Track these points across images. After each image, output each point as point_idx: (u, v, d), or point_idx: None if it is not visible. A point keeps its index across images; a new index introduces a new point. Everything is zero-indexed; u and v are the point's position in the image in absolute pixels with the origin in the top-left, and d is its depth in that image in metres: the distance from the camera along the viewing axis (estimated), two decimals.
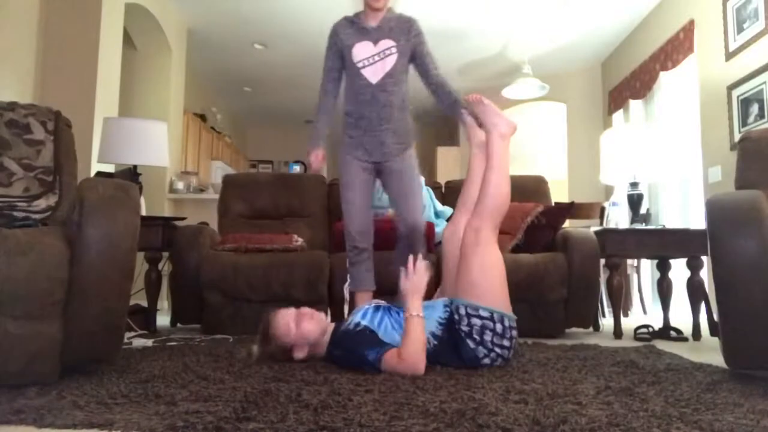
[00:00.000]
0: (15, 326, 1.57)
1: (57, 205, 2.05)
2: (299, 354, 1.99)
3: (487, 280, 1.96)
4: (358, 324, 1.97)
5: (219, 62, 6.82)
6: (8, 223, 1.91)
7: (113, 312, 1.76)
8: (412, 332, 1.84)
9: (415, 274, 1.95)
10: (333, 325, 2.10)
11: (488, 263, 1.98)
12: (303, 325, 1.98)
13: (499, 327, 1.92)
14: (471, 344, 1.92)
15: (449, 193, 3.82)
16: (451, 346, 1.94)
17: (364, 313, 2.03)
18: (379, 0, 2.61)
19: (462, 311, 1.94)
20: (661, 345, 2.78)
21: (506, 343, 1.95)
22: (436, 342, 1.95)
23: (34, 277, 1.59)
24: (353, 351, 1.89)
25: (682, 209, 4.94)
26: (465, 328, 1.93)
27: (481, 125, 2.33)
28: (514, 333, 1.98)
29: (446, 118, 8.80)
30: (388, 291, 2.57)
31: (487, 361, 1.93)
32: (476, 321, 1.91)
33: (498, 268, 2.01)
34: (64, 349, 1.67)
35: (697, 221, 4.52)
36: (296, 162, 9.70)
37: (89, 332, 1.72)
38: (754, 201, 1.81)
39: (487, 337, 1.91)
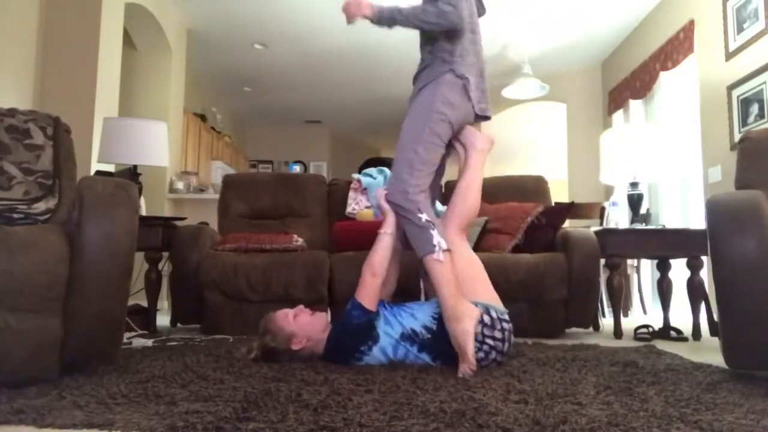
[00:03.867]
0: (16, 321, 1.58)
1: (56, 207, 2.06)
2: (297, 345, 2.02)
3: (465, 280, 2.01)
4: None
5: (219, 62, 6.82)
6: (8, 222, 1.92)
7: (112, 309, 1.77)
8: (380, 246, 2.09)
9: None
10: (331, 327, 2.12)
11: (460, 265, 2.03)
12: (302, 317, 2.08)
13: (487, 318, 1.94)
14: None
15: (449, 194, 3.79)
16: (445, 339, 1.96)
17: None
18: None
19: None
20: (661, 345, 2.78)
21: (498, 335, 1.95)
22: (429, 335, 1.98)
23: (34, 273, 1.61)
24: (339, 323, 2.03)
25: (682, 209, 4.94)
26: None
27: (459, 143, 2.29)
28: (506, 325, 1.99)
29: None
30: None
31: (481, 354, 1.93)
32: None
33: (471, 266, 2.07)
34: (64, 345, 1.68)
35: (697, 221, 4.52)
36: (296, 162, 9.71)
37: (89, 329, 1.73)
38: (754, 201, 1.81)
39: (477, 329, 1.93)
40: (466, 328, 1.88)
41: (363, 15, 2.12)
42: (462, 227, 2.18)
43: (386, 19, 2.11)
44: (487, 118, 2.22)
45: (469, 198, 2.22)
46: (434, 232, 1.97)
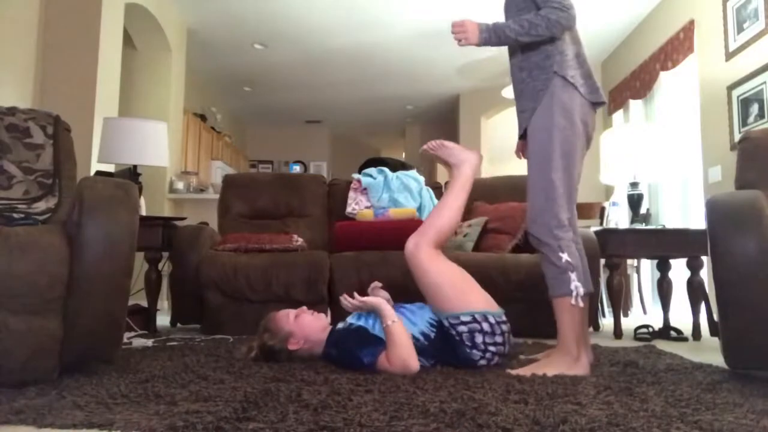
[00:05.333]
0: (16, 322, 1.58)
1: (56, 207, 2.06)
2: (294, 345, 2.02)
3: (450, 290, 1.96)
4: (351, 324, 2.01)
5: (219, 62, 6.82)
6: (8, 222, 1.92)
7: (112, 310, 1.77)
8: (395, 339, 1.85)
9: (364, 299, 1.98)
10: (331, 327, 2.11)
11: (438, 279, 1.97)
12: (302, 316, 2.06)
13: (486, 326, 1.92)
14: (466, 349, 1.92)
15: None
16: (445, 346, 1.95)
17: (358, 315, 2.06)
18: None
19: (446, 324, 1.94)
20: (661, 345, 2.78)
21: (499, 339, 1.94)
22: (426, 342, 1.96)
23: (34, 273, 1.60)
24: (349, 351, 1.91)
25: (682, 209, 4.94)
26: (456, 338, 1.93)
27: (449, 166, 2.22)
28: (504, 327, 1.97)
29: (445, 118, 8.80)
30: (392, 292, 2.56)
31: (483, 362, 1.93)
32: (462, 328, 1.91)
33: (451, 275, 2.00)
34: (64, 346, 1.68)
35: (697, 221, 4.52)
36: (296, 162, 9.71)
37: (89, 330, 1.72)
38: (754, 201, 1.81)
39: (479, 339, 1.91)
40: (573, 371, 1.84)
41: (473, 44, 2.07)
42: (439, 242, 2.08)
43: (495, 43, 2.04)
44: (602, 103, 2.08)
45: (454, 214, 2.11)
46: (573, 275, 1.88)
